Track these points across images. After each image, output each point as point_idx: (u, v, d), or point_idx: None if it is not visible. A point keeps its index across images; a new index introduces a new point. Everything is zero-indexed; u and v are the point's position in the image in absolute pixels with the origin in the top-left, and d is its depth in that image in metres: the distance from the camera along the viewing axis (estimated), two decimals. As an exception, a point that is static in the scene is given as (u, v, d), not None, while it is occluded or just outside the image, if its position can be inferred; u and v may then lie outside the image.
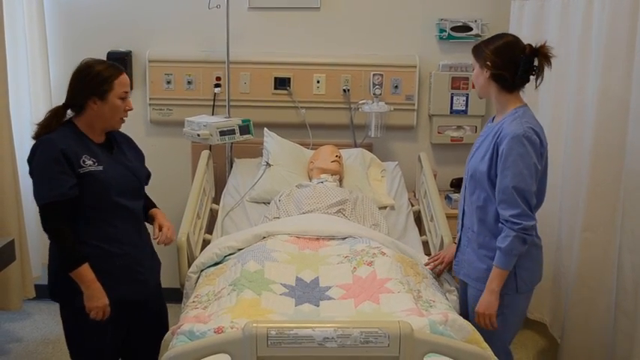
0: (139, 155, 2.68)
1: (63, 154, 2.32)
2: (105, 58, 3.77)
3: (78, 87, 2.40)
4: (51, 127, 2.40)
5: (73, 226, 2.36)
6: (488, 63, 2.43)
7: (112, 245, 2.44)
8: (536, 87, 2.46)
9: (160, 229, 2.61)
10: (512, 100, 2.47)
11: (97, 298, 2.38)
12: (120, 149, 2.55)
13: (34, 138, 2.41)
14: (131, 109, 2.49)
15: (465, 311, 2.59)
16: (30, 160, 2.38)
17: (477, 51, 2.49)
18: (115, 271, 2.44)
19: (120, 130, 2.59)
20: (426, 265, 2.83)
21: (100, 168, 2.38)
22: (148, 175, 2.69)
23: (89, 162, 2.36)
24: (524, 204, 2.34)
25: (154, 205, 2.75)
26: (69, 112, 2.46)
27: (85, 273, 2.36)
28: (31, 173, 2.38)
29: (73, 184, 2.32)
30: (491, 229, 2.46)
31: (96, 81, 2.38)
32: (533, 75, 2.44)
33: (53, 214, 2.34)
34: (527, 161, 2.34)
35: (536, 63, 2.42)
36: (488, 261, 2.45)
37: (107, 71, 2.41)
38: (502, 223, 2.38)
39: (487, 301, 2.42)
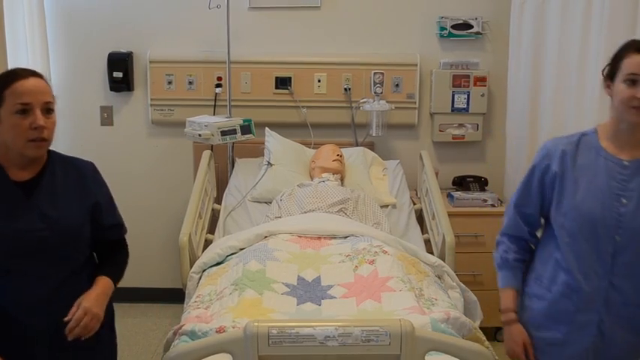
0: (87, 198, 1.99)
1: None
2: (106, 60, 3.82)
3: None
4: None
5: None
6: None
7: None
8: None
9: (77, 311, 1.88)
10: None
11: None
12: (50, 190, 1.93)
13: None
14: (39, 127, 1.84)
15: None
16: None
17: None
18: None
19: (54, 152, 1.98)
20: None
21: None
22: (111, 226, 2.07)
23: None
24: None
25: (109, 272, 2.04)
26: None
27: None
28: None
29: None
30: None
31: None
32: None
33: None
34: None
35: None
36: None
37: None
38: None
39: None
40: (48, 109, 1.88)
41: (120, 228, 2.12)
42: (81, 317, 1.86)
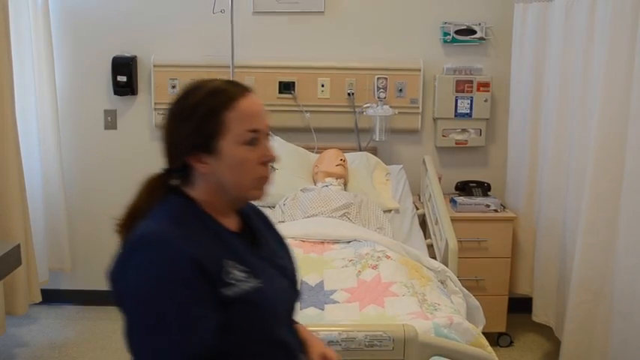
0: (282, 240, 1.57)
1: (196, 266, 1.24)
2: (110, 63, 3.82)
3: (171, 136, 1.38)
4: (148, 208, 1.36)
5: None
6: None
7: None
8: None
9: None
10: None
11: None
12: (262, 236, 1.49)
13: (120, 231, 1.36)
14: (272, 160, 1.43)
15: None
16: (124, 274, 1.26)
17: None
18: None
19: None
20: None
21: (258, 283, 1.32)
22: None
23: (239, 274, 1.30)
24: None
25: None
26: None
27: None
28: (129, 297, 1.25)
29: (215, 322, 1.25)
30: None
31: (193, 122, 1.34)
32: None
33: None
34: None
35: None
36: None
37: (212, 99, 1.35)
38: None
39: None
40: (268, 135, 1.43)
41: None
42: None
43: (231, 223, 1.41)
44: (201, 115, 1.33)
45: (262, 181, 1.41)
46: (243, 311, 1.28)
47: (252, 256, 1.38)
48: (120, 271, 1.27)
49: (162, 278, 1.22)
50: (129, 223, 1.35)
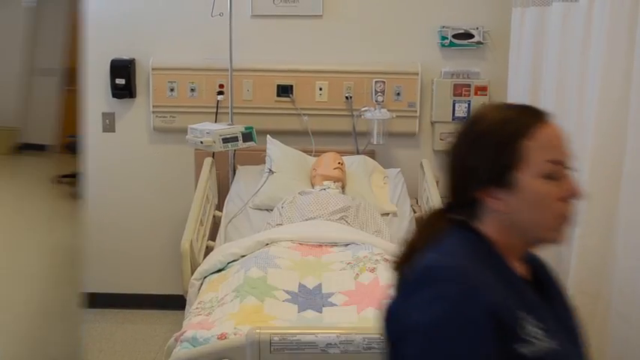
0: (566, 297, 1.35)
1: (492, 315, 1.11)
2: (108, 66, 3.83)
3: (458, 168, 1.27)
4: (429, 244, 1.24)
5: None
6: None
7: None
8: None
9: None
10: None
11: None
12: (553, 289, 1.33)
13: (398, 267, 1.26)
14: (577, 196, 1.25)
15: None
16: (407, 307, 1.16)
17: None
18: None
19: None
20: None
21: (556, 345, 1.16)
22: None
23: (536, 331, 1.14)
24: None
25: None
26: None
27: None
28: (411, 334, 1.13)
29: None
30: None
31: (486, 152, 1.22)
32: None
33: None
34: None
35: None
36: None
37: (507, 126, 1.23)
38: None
39: None
40: (569, 168, 1.25)
41: None
42: None
43: (521, 268, 1.26)
44: (495, 145, 1.21)
45: (562, 220, 1.22)
46: None
47: (545, 311, 1.21)
48: (402, 304, 1.18)
49: (453, 317, 1.09)
50: (408, 259, 1.24)
